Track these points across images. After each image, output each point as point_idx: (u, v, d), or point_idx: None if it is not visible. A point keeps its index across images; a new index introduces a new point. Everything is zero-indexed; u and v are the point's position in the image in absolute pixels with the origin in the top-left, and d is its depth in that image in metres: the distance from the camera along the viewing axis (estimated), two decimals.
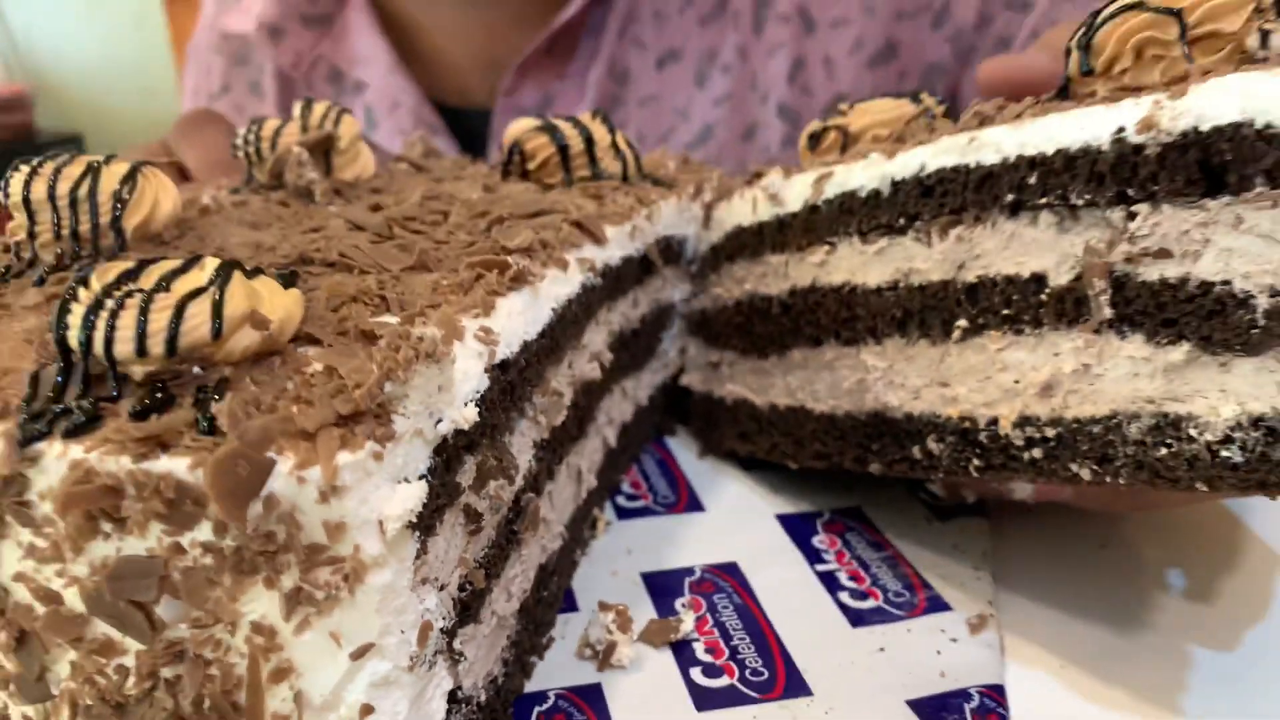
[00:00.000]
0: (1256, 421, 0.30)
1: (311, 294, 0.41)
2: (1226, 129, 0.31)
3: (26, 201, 0.47)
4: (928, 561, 0.60)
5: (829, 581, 0.57)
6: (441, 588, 0.40)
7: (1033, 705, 0.48)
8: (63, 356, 0.36)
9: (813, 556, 0.59)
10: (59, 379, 0.36)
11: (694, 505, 0.68)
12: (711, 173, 0.81)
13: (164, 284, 0.36)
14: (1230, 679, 0.51)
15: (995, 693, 0.48)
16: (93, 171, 0.48)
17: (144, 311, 0.35)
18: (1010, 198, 0.34)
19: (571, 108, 1.17)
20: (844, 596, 0.55)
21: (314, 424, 0.33)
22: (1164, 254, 0.32)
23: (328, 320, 0.39)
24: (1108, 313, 0.32)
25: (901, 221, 0.38)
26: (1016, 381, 0.35)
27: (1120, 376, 0.32)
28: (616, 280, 0.62)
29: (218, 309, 0.35)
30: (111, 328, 0.35)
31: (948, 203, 0.36)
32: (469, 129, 1.24)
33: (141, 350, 0.35)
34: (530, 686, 0.50)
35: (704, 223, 0.68)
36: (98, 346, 0.35)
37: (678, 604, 0.56)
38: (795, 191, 0.46)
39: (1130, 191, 0.32)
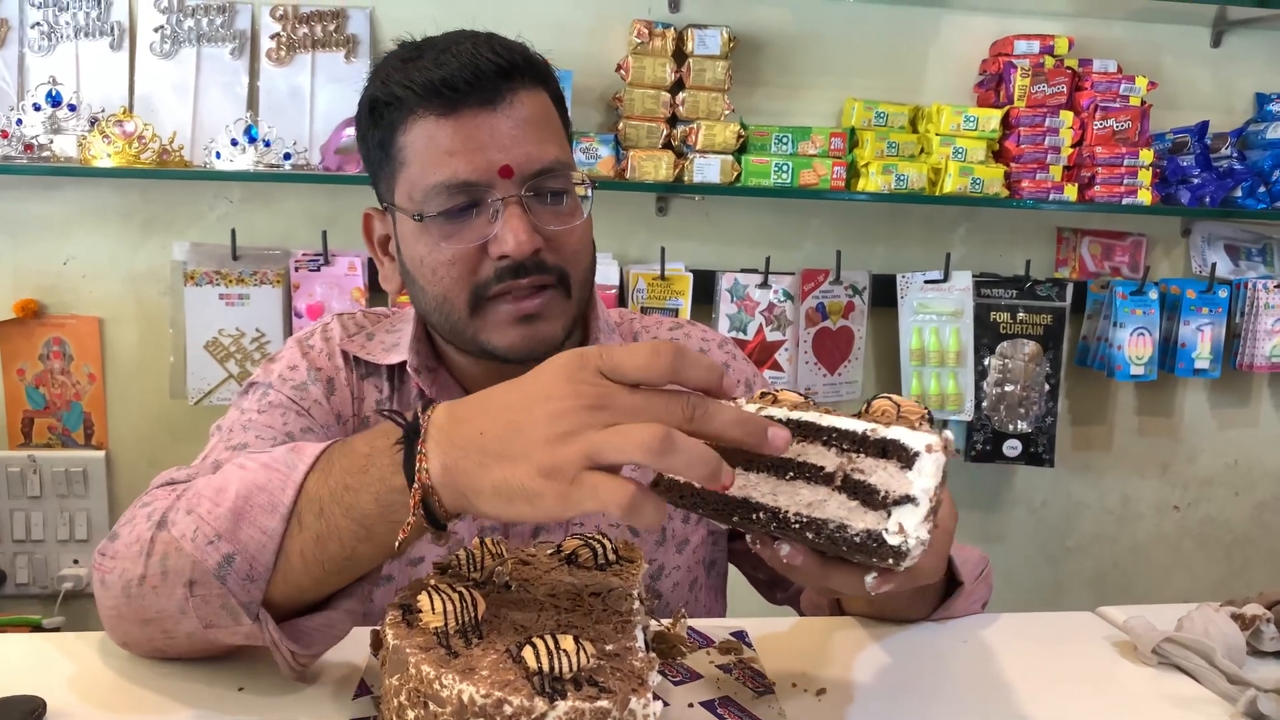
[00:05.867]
0: (869, 533, 0.86)
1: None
2: (892, 442, 0.88)
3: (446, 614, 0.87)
4: None
5: None
6: None
7: None
8: (537, 670, 0.83)
9: None
10: (539, 678, 0.84)
11: None
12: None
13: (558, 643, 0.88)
14: None
15: None
16: (471, 604, 0.89)
17: (558, 651, 0.86)
18: (825, 438, 0.92)
19: None
20: None
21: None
22: (859, 471, 0.88)
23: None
24: (839, 484, 0.89)
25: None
26: (800, 500, 0.90)
27: (834, 505, 0.87)
28: None
29: (584, 650, 0.86)
30: (553, 657, 0.86)
31: (807, 433, 0.93)
32: None
33: (568, 666, 0.86)
34: None
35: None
36: (550, 666, 0.85)
37: None
38: (752, 405, 1.03)
39: (860, 451, 0.89)
